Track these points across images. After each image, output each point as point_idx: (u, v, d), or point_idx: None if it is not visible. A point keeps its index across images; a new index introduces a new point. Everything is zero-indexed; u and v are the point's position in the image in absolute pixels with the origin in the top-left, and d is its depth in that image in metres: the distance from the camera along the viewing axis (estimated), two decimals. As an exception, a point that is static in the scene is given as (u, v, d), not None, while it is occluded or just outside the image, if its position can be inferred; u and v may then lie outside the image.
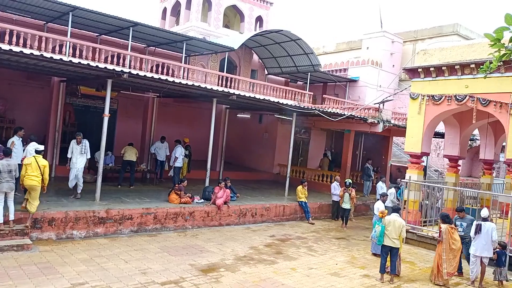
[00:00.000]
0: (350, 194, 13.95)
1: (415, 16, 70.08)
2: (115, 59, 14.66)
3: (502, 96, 10.77)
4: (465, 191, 13.94)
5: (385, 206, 10.60)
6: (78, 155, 10.91)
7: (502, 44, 3.25)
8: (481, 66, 3.69)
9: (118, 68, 10.30)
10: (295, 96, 19.64)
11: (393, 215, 8.81)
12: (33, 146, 9.59)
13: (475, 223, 8.95)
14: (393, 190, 14.22)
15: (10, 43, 12.24)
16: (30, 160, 8.85)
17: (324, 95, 21.62)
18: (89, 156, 11.16)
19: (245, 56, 22.91)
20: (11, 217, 8.39)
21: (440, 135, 17.21)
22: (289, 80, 25.07)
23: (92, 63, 10.22)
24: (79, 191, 10.95)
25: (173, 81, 11.33)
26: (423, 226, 12.46)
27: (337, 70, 25.10)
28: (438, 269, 8.72)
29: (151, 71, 16.06)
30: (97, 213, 9.83)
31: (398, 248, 8.69)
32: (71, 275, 7.21)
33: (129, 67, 15.03)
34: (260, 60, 23.78)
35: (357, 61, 24.49)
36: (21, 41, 12.89)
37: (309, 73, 22.03)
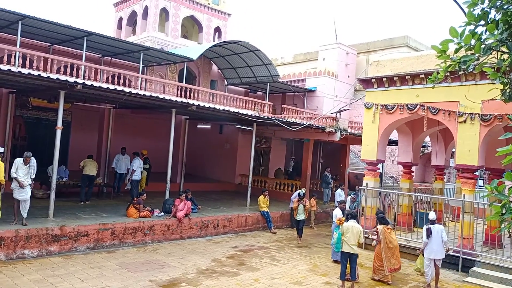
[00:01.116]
0: (304, 206, 13.28)
1: (368, 29, 72.96)
2: (68, 70, 14.17)
3: (450, 105, 11.37)
4: (419, 196, 14.53)
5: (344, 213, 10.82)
6: (24, 176, 9.59)
7: (447, 56, 3.43)
8: (430, 77, 3.88)
9: (71, 79, 9.97)
10: (255, 106, 19.79)
11: (351, 222, 9.02)
12: None
13: (425, 227, 9.25)
14: (349, 198, 14.33)
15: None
16: None
17: (283, 105, 21.92)
18: (33, 176, 9.84)
19: (204, 66, 22.87)
20: None
21: (394, 143, 17.89)
22: (248, 90, 25.25)
23: (44, 74, 9.82)
24: (25, 216, 9.47)
25: (130, 92, 11.10)
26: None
27: (295, 81, 25.57)
28: (378, 267, 9.29)
29: (107, 81, 15.65)
30: (51, 230, 9.35)
31: (357, 254, 8.89)
32: (22, 298, 6.80)
33: (84, 78, 14.58)
34: (219, 70, 23.82)
35: (314, 71, 25.07)
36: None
37: (268, 84, 22.31)
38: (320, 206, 16.91)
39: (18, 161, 9.62)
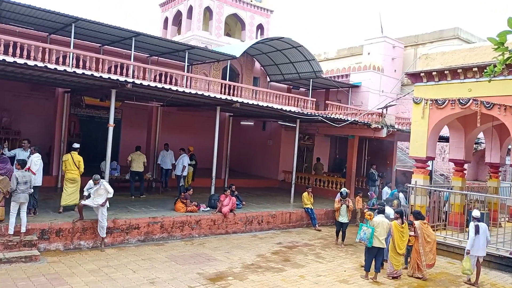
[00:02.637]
0: (347, 206, 12.05)
1: (415, 21, 70.35)
2: (118, 69, 14.76)
3: (506, 99, 10.76)
4: (472, 195, 13.87)
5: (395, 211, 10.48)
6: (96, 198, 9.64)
7: (505, 48, 3.26)
8: (485, 70, 3.69)
9: (122, 78, 10.40)
10: (297, 103, 19.70)
11: (380, 216, 9.11)
12: (37, 157, 9.68)
13: (473, 224, 9.16)
14: (401, 194, 13.99)
15: (14, 55, 12.35)
16: (67, 157, 10.41)
17: (326, 101, 21.66)
18: (110, 196, 9.77)
19: (247, 63, 23.02)
20: (23, 229, 8.41)
21: (445, 139, 17.16)
22: (291, 86, 25.14)
23: (96, 74, 10.29)
24: (103, 235, 9.55)
25: (176, 90, 11.38)
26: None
27: (339, 76, 25.18)
28: (417, 263, 9.26)
29: (154, 80, 16.15)
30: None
31: (384, 248, 9.06)
32: (79, 285, 7.18)
33: (132, 77, 15.13)
34: (262, 67, 23.89)
35: (359, 66, 24.56)
36: (25, 53, 13.01)
37: (311, 80, 22.10)
38: (365, 204, 16.56)
39: (91, 183, 9.72)
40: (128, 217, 10.36)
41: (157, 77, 16.29)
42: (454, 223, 12.71)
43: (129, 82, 10.26)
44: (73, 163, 10.35)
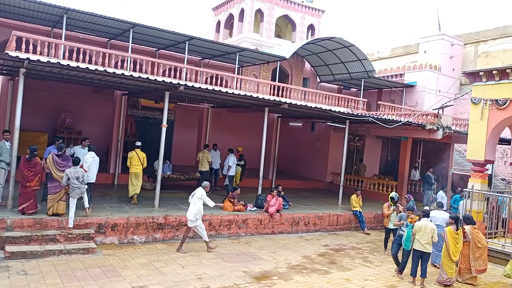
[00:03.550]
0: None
1: (477, 17, 66.40)
2: (172, 72, 15.35)
3: None
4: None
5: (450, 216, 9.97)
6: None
7: None
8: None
9: (175, 81, 10.79)
10: (348, 103, 19.34)
11: (424, 220, 8.85)
12: (89, 155, 10.38)
13: None
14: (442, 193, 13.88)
15: (77, 60, 13.25)
16: (133, 153, 11.73)
17: (379, 102, 21.06)
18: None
19: (297, 64, 22.97)
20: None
21: (507, 142, 16.10)
22: (342, 87, 24.72)
23: (151, 77, 10.82)
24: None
25: (226, 92, 11.67)
26: (488, 238, 11.68)
27: (392, 76, 24.39)
28: (464, 268, 9.16)
29: (206, 82, 16.60)
30: (156, 219, 10.28)
31: (430, 253, 8.84)
32: (131, 278, 7.60)
33: (185, 80, 15.65)
34: (312, 68, 23.72)
35: (414, 65, 23.63)
36: (87, 58, 13.90)
37: (363, 80, 21.60)
38: (419, 209, 15.91)
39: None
40: (178, 214, 10.76)
41: (209, 79, 16.73)
42: (514, 230, 11.92)
43: (182, 85, 10.67)
44: (138, 159, 11.63)
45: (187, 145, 18.60)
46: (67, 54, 13.51)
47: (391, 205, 11.23)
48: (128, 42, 15.85)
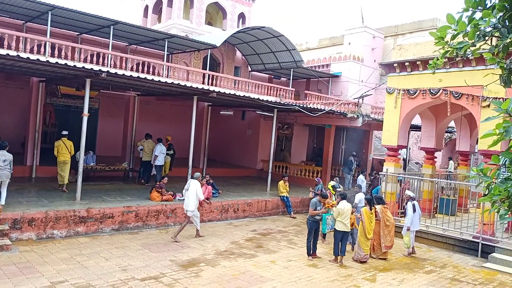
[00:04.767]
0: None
1: (398, 11, 70.78)
2: (95, 58, 14.65)
3: (473, 89, 11.08)
4: (442, 182, 14.31)
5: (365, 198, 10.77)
6: None
7: (445, 42, 3.45)
8: (430, 62, 3.91)
9: (96, 67, 10.34)
10: (277, 92, 19.83)
11: (342, 203, 9.49)
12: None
13: (410, 203, 10.25)
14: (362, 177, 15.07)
15: (-14, 43, 12.19)
16: (59, 142, 11.89)
17: (306, 91, 21.83)
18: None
19: (228, 53, 23.01)
20: (2, 202, 9.15)
21: (419, 129, 17.56)
22: (272, 76, 25.23)
23: (70, 63, 10.25)
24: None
25: (152, 80, 11.42)
26: (401, 217, 12.75)
27: (320, 66, 25.34)
28: (377, 245, 9.90)
29: (133, 69, 16.08)
30: (78, 212, 9.88)
31: (349, 232, 9.52)
32: (51, 273, 7.29)
33: (110, 66, 15.04)
34: (243, 56, 23.90)
35: (339, 56, 24.75)
36: (-1, 41, 12.83)
37: (292, 69, 22.23)
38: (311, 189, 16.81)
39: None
40: (102, 206, 10.43)
41: (135, 66, 16.21)
42: (423, 209, 13.11)
43: (104, 72, 10.25)
44: (65, 147, 11.89)
45: (113, 135, 17.91)
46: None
47: (332, 194, 11.84)
48: (47, 25, 14.84)
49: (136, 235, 10.30)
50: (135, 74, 11.18)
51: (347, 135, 21.91)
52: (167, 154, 15.04)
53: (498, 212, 3.04)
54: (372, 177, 15.96)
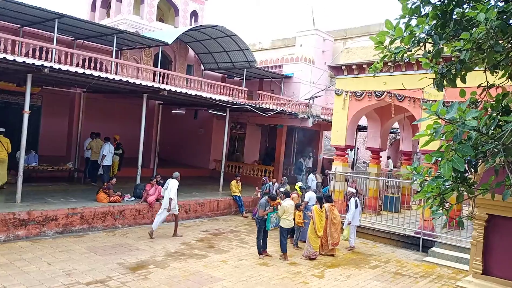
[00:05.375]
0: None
1: (347, 15, 73.12)
2: (37, 53, 13.91)
3: (415, 92, 11.70)
4: (387, 180, 14.98)
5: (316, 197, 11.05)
6: None
7: (383, 47, 3.62)
8: (370, 66, 4.08)
9: (38, 62, 9.83)
10: (231, 92, 19.83)
11: (286, 200, 9.97)
12: None
13: (353, 199, 10.76)
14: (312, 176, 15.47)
15: None
16: None
17: (259, 91, 22.02)
18: None
19: (181, 51, 22.67)
20: None
21: (366, 129, 18.27)
22: (226, 76, 25.20)
23: (9, 57, 9.65)
24: None
25: (99, 76, 11.00)
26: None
27: (273, 67, 25.62)
28: (325, 242, 10.18)
29: (78, 65, 15.43)
30: (18, 215, 9.34)
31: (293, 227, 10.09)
32: (-15, 281, 6.85)
33: (55, 61, 14.33)
34: (196, 55, 23.66)
35: (291, 58, 25.16)
36: None
37: (245, 69, 22.30)
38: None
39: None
40: (45, 208, 9.94)
41: (82, 62, 15.56)
42: (369, 206, 13.69)
43: (46, 67, 9.78)
44: (1, 145, 11.38)
45: (57, 133, 17.10)
46: None
47: (299, 194, 12.01)
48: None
49: (81, 238, 9.91)
50: (80, 70, 10.74)
51: (298, 135, 22.34)
52: (115, 153, 14.60)
53: (431, 208, 3.24)
54: (323, 176, 16.40)
